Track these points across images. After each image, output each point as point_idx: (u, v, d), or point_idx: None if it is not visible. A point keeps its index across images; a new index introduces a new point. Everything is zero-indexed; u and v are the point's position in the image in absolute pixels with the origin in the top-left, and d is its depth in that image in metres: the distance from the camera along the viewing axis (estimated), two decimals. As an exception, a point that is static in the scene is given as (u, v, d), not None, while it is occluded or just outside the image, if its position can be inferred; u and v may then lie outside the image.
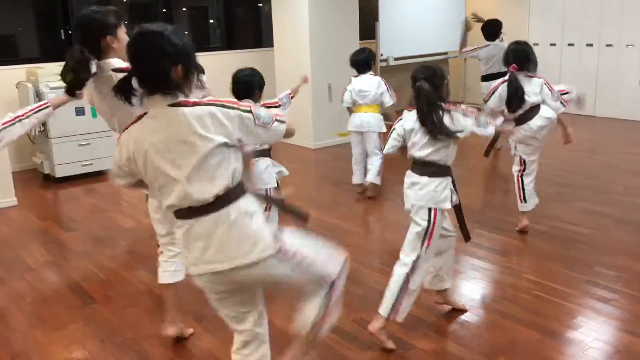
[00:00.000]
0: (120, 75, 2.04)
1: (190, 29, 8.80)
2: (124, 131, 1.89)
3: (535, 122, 3.87)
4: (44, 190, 5.77)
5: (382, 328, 2.81)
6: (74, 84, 2.56)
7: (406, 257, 2.84)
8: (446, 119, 2.71)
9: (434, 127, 2.69)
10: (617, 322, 3.01)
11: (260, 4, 8.83)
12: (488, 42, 6.34)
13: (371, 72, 5.14)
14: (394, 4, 8.16)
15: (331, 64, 7.22)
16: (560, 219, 4.43)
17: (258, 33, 8.78)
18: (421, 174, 2.81)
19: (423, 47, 8.32)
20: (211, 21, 8.97)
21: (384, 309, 2.81)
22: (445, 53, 9.02)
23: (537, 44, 6.47)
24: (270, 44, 7.76)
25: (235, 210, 1.85)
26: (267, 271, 1.90)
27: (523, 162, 4.09)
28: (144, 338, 3.01)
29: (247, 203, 1.89)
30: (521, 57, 3.86)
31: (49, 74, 5.89)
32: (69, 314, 3.31)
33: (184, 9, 8.77)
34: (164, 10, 7.87)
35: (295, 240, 1.98)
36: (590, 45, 8.40)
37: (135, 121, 1.86)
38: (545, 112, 3.88)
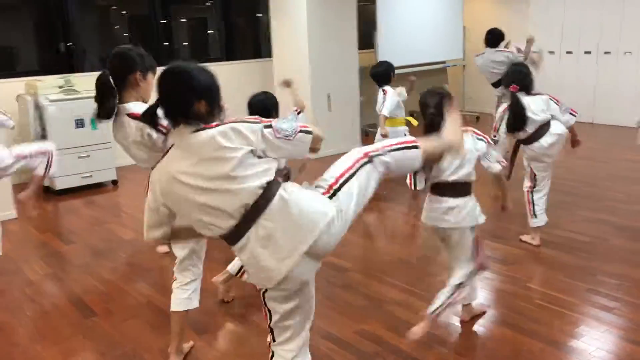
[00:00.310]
0: (133, 122, 2.34)
1: (189, 39, 8.83)
2: (153, 169, 1.96)
3: (546, 140, 3.90)
4: (43, 203, 5.76)
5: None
6: (101, 111, 2.60)
7: (455, 276, 2.91)
8: None
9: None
10: (620, 330, 3.00)
11: (260, 15, 8.86)
12: (483, 51, 6.46)
13: (383, 88, 5.29)
14: (392, 13, 8.20)
15: (330, 74, 7.24)
16: (561, 227, 4.42)
17: (257, 44, 8.82)
18: (457, 195, 2.86)
19: (422, 56, 8.36)
20: (210, 32, 9.00)
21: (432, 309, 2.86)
22: (444, 62, 9.06)
23: (535, 52, 6.49)
24: (269, 54, 7.79)
25: (280, 195, 1.87)
26: (333, 236, 1.93)
27: (534, 179, 4.06)
28: (145, 350, 3.00)
29: (288, 185, 1.93)
30: (518, 78, 3.93)
31: (48, 87, 5.90)
32: (70, 327, 3.29)
33: (183, 20, 8.81)
34: (163, 21, 7.90)
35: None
36: (589, 52, 8.43)
37: (163, 156, 1.93)
38: (555, 128, 3.92)
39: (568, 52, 8.63)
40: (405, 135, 5.32)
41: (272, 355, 2.12)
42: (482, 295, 3.47)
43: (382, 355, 2.85)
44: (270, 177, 1.87)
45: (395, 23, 8.23)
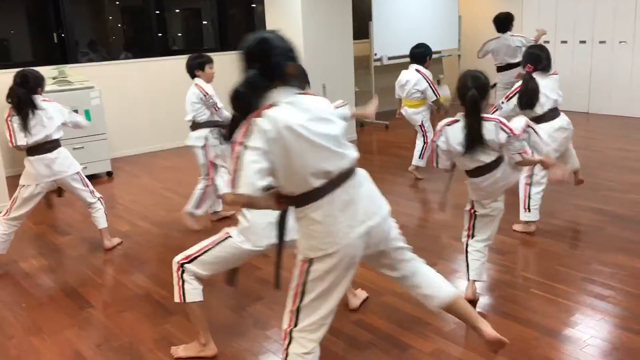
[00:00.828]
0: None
1: (183, 30, 8.79)
2: (251, 118, 1.96)
3: (556, 122, 3.97)
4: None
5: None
6: None
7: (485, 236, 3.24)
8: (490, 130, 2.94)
9: (478, 138, 2.92)
10: (614, 319, 3.01)
11: (254, 5, 8.81)
12: (498, 35, 6.44)
13: (416, 68, 5.48)
14: (388, 3, 8.17)
15: (325, 64, 7.22)
16: (556, 216, 4.44)
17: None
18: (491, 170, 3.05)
19: (417, 46, 8.34)
20: (204, 22, 8.95)
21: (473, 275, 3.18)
22: (439, 52, 9.03)
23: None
24: (264, 44, 7.73)
25: (360, 174, 2.13)
26: (389, 226, 2.22)
27: (532, 168, 4.00)
28: (141, 342, 3.00)
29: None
30: (534, 59, 4.04)
31: (42, 78, 5.85)
32: (65, 319, 3.29)
33: (177, 11, 8.76)
34: (157, 12, 7.85)
35: None
36: (584, 42, 8.43)
37: (266, 109, 1.97)
38: (565, 118, 4.04)
39: (563, 42, 8.63)
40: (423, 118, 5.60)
41: (290, 342, 2.10)
42: (477, 284, 3.48)
43: (378, 345, 2.86)
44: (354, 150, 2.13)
45: (391, 13, 8.20)
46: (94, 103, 6.33)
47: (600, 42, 8.27)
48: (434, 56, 5.87)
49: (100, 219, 4.22)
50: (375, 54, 8.08)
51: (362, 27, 8.23)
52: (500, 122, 2.94)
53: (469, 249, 3.22)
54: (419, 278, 2.37)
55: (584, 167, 5.78)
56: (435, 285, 2.39)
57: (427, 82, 5.43)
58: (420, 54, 5.51)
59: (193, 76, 4.37)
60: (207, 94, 4.25)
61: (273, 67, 2.03)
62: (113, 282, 3.81)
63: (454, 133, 2.99)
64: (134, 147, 7.48)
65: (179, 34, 8.91)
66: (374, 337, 2.93)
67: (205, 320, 2.84)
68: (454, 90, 3.44)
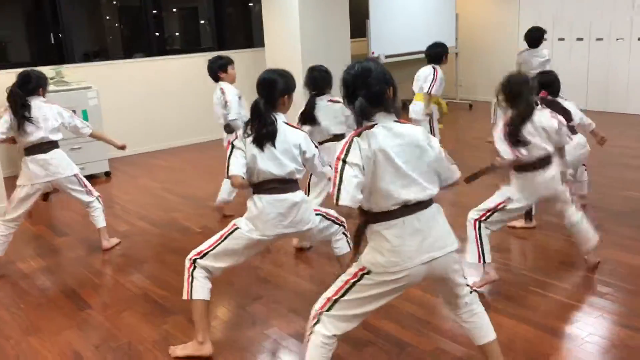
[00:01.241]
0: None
1: (180, 29, 8.78)
2: (352, 137, 2.18)
3: (575, 139, 3.96)
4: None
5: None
6: None
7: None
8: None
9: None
10: (613, 316, 3.02)
11: (251, 4, 8.80)
12: (527, 48, 6.15)
13: (433, 65, 5.45)
14: (385, 1, 8.17)
15: (323, 63, 7.11)
16: (553, 214, 4.43)
17: (249, 33, 8.77)
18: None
19: (414, 44, 8.32)
20: (202, 22, 8.94)
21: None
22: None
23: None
24: (261, 43, 7.75)
25: (437, 207, 2.25)
26: (453, 261, 2.28)
27: None
28: (139, 342, 3.00)
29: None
30: (546, 84, 4.08)
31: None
32: (64, 319, 3.29)
33: (174, 10, 8.74)
34: (154, 11, 7.84)
35: None
36: (581, 39, 8.44)
37: (365, 129, 2.16)
38: (582, 137, 4.14)
39: (560, 39, 8.64)
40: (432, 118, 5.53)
41: (317, 322, 2.24)
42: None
43: (376, 343, 2.86)
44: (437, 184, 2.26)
45: (388, 11, 8.20)
46: (92, 103, 6.32)
47: (598, 39, 8.28)
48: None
49: (99, 218, 4.23)
50: (373, 53, 8.08)
51: (359, 25, 8.22)
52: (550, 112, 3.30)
53: (482, 232, 3.31)
54: (472, 318, 2.42)
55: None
56: (484, 328, 2.43)
57: (433, 77, 5.38)
58: (438, 54, 5.49)
59: (216, 79, 4.46)
60: (228, 101, 4.35)
61: (377, 94, 2.16)
62: (111, 282, 3.81)
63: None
64: (131, 148, 7.39)
65: (177, 34, 8.90)
66: (373, 335, 2.93)
67: (207, 320, 2.85)
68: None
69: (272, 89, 2.79)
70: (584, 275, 3.47)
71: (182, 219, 4.88)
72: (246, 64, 8.12)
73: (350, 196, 2.08)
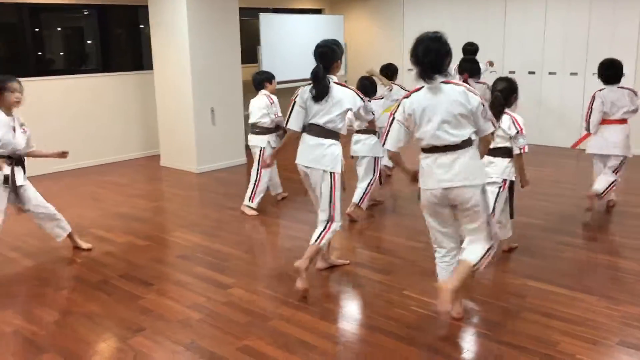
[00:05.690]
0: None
1: (64, 49, 8.37)
2: (404, 98, 3.06)
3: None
4: None
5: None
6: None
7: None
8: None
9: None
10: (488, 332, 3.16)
11: (142, 26, 8.58)
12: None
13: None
14: (275, 28, 8.27)
15: (214, 88, 7.15)
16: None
17: (138, 55, 8.52)
18: (495, 155, 3.93)
19: (303, 71, 8.43)
20: (88, 42, 8.58)
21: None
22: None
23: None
24: (151, 67, 7.56)
25: (467, 151, 2.98)
26: (472, 195, 3.00)
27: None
28: None
29: (475, 150, 3.05)
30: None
31: None
32: None
33: (58, 29, 8.33)
34: (36, 29, 7.42)
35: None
36: (533, 73, 8.47)
37: (415, 91, 3.01)
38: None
39: (530, 73, 8.52)
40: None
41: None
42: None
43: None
44: (469, 134, 2.98)
45: (278, 39, 8.31)
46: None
47: (550, 73, 8.30)
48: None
49: None
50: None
51: (250, 51, 8.25)
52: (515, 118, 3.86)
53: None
54: (454, 259, 3.20)
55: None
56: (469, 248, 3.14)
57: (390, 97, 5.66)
58: (394, 70, 6.10)
59: (260, 88, 5.37)
60: (273, 101, 5.32)
61: (438, 61, 2.92)
62: None
63: None
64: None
65: (61, 54, 8.46)
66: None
67: None
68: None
69: (329, 57, 3.69)
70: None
71: (61, 247, 4.58)
72: (133, 86, 7.88)
73: (391, 142, 3.08)
